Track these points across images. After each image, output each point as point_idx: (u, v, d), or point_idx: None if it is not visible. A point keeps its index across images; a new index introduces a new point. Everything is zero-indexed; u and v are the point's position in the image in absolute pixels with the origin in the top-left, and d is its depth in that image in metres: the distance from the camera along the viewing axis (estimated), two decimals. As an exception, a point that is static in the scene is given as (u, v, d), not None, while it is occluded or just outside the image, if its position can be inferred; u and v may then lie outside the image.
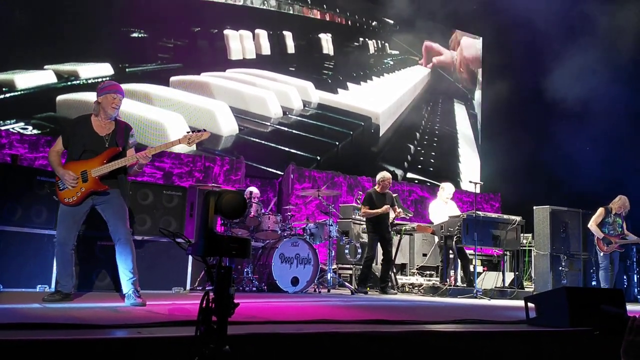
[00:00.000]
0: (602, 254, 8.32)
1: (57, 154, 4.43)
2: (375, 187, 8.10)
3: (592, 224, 8.44)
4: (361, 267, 7.98)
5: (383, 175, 8.09)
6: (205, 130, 4.56)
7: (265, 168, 10.47)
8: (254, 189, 7.63)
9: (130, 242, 4.38)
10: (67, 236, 4.35)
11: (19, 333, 2.36)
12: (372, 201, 7.87)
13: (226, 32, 10.52)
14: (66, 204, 4.30)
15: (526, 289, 8.85)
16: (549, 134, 11.79)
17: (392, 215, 8.06)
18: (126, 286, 4.29)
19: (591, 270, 8.41)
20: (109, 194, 4.36)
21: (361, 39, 12.65)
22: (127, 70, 9.19)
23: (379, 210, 7.77)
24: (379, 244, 8.03)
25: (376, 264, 8.67)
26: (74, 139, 4.38)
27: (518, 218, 8.29)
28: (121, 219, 4.38)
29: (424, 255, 9.57)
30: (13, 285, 5.09)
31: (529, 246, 9.80)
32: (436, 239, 8.92)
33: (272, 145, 10.66)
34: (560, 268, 8.79)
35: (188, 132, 4.53)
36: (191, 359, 2.02)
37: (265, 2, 11.12)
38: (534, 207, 9.22)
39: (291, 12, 11.57)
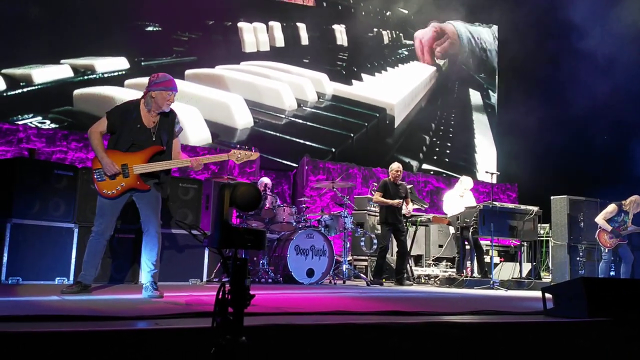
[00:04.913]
0: (605, 250, 8.19)
1: (100, 136, 4.30)
2: (389, 177, 8.08)
3: (600, 219, 8.22)
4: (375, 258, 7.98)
5: (392, 166, 8.07)
6: (256, 151, 4.60)
7: (279, 160, 10.48)
8: (267, 180, 7.62)
9: (159, 235, 4.36)
10: (106, 227, 4.34)
11: (38, 325, 2.39)
12: (387, 190, 7.85)
13: (240, 24, 10.52)
14: (105, 196, 4.26)
15: (543, 280, 8.79)
16: (566, 122, 11.63)
17: (404, 209, 8.01)
18: (145, 277, 4.30)
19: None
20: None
21: (375, 30, 12.58)
22: (142, 63, 9.22)
23: (389, 202, 7.74)
24: (392, 235, 8.00)
25: (391, 255, 8.66)
26: (122, 129, 4.28)
27: (535, 208, 8.20)
28: (154, 210, 4.36)
29: (440, 246, 9.53)
30: (32, 277, 5.16)
31: (546, 236, 9.72)
32: (452, 230, 8.87)
33: (287, 137, 10.66)
34: (578, 258, 8.70)
35: (237, 148, 4.54)
36: (208, 350, 2.04)
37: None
38: (552, 197, 9.13)
39: (304, 3, 11.52)
